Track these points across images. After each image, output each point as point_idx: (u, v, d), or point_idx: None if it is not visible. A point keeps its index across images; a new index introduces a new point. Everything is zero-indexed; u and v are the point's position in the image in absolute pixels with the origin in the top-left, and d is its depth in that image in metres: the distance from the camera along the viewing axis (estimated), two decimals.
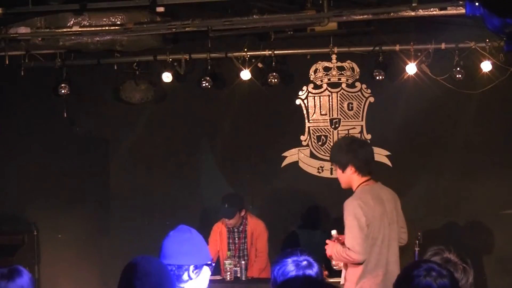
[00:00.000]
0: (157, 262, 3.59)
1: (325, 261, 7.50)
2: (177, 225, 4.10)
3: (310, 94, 8.37)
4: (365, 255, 5.62)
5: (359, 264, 5.67)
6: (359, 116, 8.30)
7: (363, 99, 8.29)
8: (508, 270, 7.90)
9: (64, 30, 7.43)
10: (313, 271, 3.70)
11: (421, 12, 7.04)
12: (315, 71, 8.34)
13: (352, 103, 8.32)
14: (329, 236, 5.93)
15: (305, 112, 8.38)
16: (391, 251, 5.75)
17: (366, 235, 5.62)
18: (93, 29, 7.41)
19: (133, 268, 3.43)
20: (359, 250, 5.58)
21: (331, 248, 5.79)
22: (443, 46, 7.71)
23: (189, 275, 3.89)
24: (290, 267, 3.68)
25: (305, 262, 3.70)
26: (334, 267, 6.00)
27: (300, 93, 8.38)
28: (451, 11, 6.95)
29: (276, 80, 7.97)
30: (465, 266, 3.67)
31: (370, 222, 5.65)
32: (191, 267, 3.90)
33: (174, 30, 7.50)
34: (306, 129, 8.38)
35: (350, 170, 5.80)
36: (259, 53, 8.06)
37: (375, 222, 5.67)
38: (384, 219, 5.73)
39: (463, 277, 3.65)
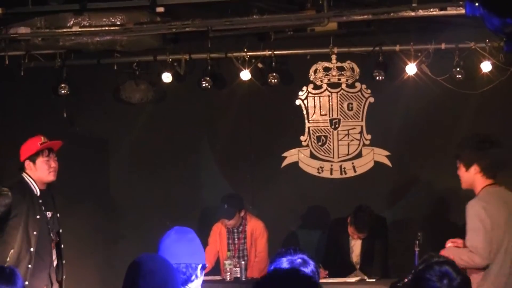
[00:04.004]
0: (162, 260, 3.58)
1: (326, 261, 7.53)
2: (177, 225, 4.09)
3: (310, 94, 8.36)
4: (488, 260, 5.26)
5: (479, 271, 5.29)
6: (359, 116, 8.30)
7: (363, 99, 8.29)
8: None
9: (64, 30, 7.43)
10: (308, 269, 3.70)
11: (421, 12, 7.04)
12: (315, 71, 8.34)
13: (352, 103, 8.32)
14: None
15: (305, 112, 8.38)
16: None
17: (490, 239, 5.27)
18: (93, 29, 7.41)
19: (137, 266, 3.43)
20: (483, 253, 5.22)
21: (449, 251, 5.33)
22: (443, 46, 7.70)
23: (196, 275, 3.90)
24: (284, 265, 3.69)
25: (299, 260, 3.70)
26: None
27: (300, 93, 8.37)
28: (451, 11, 6.95)
29: (276, 80, 7.97)
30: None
31: (494, 226, 5.30)
32: (199, 266, 3.91)
33: (174, 30, 7.50)
34: (306, 130, 8.38)
35: (474, 170, 5.42)
36: (259, 53, 8.06)
37: (499, 228, 5.33)
38: (509, 226, 5.38)
39: None
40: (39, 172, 6.22)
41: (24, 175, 6.24)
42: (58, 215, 6.40)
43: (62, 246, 6.37)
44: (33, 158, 6.23)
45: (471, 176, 5.47)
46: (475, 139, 5.56)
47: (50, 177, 6.26)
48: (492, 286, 5.34)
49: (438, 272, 3.01)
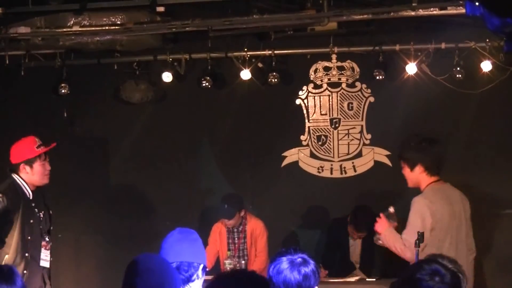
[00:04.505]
0: (159, 259, 3.59)
1: (326, 261, 7.53)
2: (177, 225, 4.09)
3: (310, 94, 8.37)
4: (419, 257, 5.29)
5: None
6: (359, 116, 8.30)
7: (363, 99, 8.29)
8: (508, 270, 7.90)
9: (64, 30, 7.43)
10: (308, 268, 3.72)
11: (421, 12, 7.04)
12: (315, 71, 8.34)
13: (352, 103, 8.32)
14: (384, 211, 5.69)
15: (305, 112, 8.38)
16: (459, 254, 5.47)
17: (426, 239, 5.32)
18: (93, 29, 7.40)
19: (135, 265, 3.44)
20: (414, 250, 5.25)
21: (383, 228, 5.55)
22: (443, 46, 7.71)
23: (197, 275, 3.91)
24: (284, 264, 3.72)
25: (299, 260, 3.73)
26: (377, 242, 5.75)
27: (300, 93, 8.38)
28: (451, 11, 6.96)
29: (276, 80, 7.97)
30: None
31: (437, 224, 5.44)
32: (201, 266, 3.92)
33: (174, 30, 7.50)
34: (306, 129, 8.38)
35: (419, 169, 5.63)
36: (259, 53, 8.06)
37: (443, 223, 5.48)
38: (453, 221, 5.54)
39: None
40: (35, 176, 6.04)
41: (16, 177, 6.05)
42: (51, 212, 6.24)
43: (50, 244, 6.15)
44: (30, 162, 6.04)
45: (416, 176, 5.67)
46: (416, 140, 5.76)
47: (45, 180, 6.10)
48: None
49: (429, 270, 3.01)
